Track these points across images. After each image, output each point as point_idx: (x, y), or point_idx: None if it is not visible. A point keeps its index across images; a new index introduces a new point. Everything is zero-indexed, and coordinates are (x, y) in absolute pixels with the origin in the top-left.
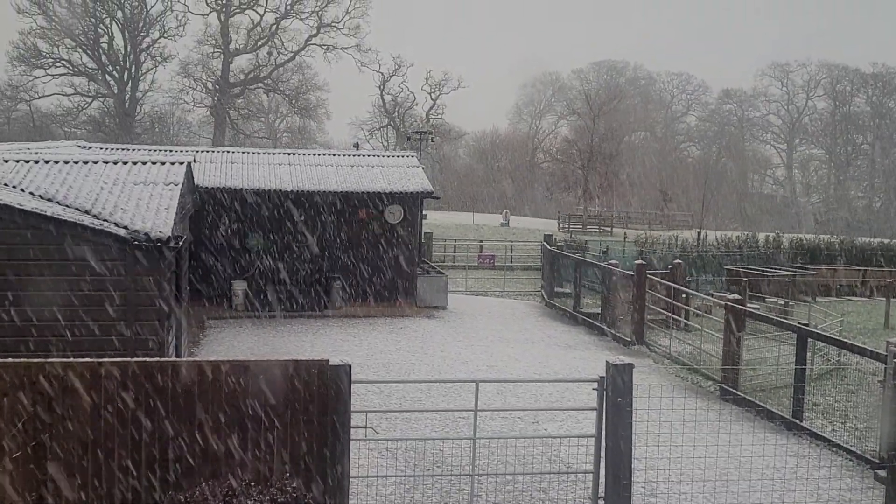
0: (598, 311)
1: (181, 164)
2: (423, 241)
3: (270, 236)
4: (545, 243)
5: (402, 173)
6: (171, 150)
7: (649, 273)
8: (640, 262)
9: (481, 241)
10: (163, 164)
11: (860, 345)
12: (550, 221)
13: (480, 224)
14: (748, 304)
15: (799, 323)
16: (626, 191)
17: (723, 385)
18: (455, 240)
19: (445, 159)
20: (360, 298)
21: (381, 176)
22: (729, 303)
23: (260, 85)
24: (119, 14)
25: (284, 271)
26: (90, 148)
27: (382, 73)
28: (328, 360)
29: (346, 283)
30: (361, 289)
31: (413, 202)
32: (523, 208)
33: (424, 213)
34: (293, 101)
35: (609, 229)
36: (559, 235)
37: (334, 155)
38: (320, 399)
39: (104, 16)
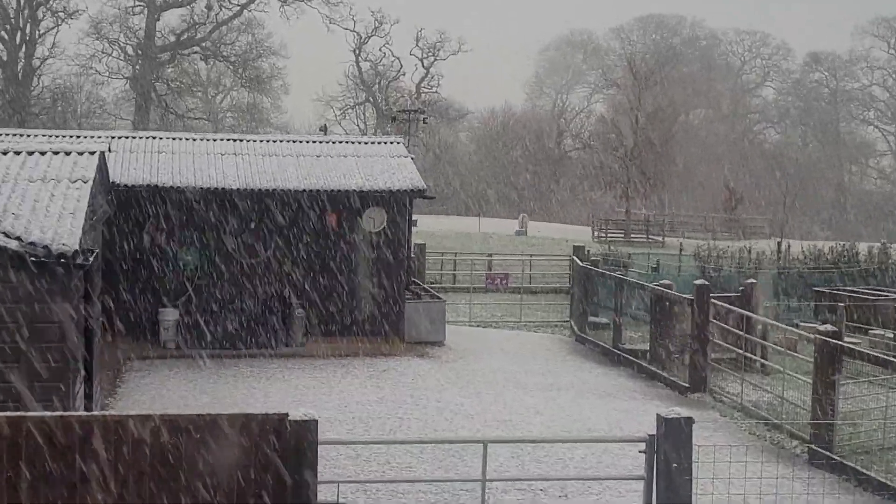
0: (646, 347)
1: (92, 154)
2: (413, 255)
3: (210, 250)
4: (575, 258)
5: (386, 165)
6: (78, 137)
7: (714, 297)
8: (701, 282)
9: (490, 256)
10: (67, 154)
11: None
12: (582, 229)
13: (489, 232)
14: (846, 339)
15: None
16: (681, 187)
17: (812, 446)
18: (456, 253)
19: (443, 147)
20: (329, 331)
21: (357, 169)
22: (820, 336)
23: (196, 49)
24: None
25: (229, 296)
26: None
27: (358, 33)
28: (287, 415)
29: (311, 311)
30: (332, 319)
31: (399, 204)
32: (546, 211)
33: (415, 218)
34: (240, 71)
35: (660, 239)
36: (594, 247)
37: (295, 142)
38: (277, 466)
39: None
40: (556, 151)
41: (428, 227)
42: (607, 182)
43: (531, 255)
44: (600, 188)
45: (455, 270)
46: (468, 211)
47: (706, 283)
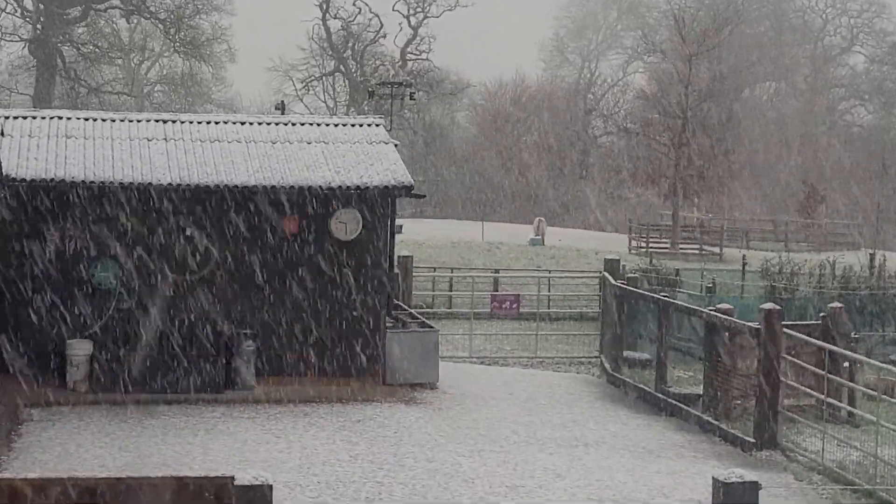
0: (699, 390)
1: None
2: (396, 271)
3: (133, 264)
4: (607, 275)
5: (361, 154)
6: None
7: (787, 326)
8: (770, 306)
9: (496, 272)
10: None
11: None
12: (616, 237)
13: (495, 242)
14: None
15: None
16: (745, 184)
17: None
18: (452, 269)
19: (436, 130)
20: (288, 370)
21: (323, 159)
22: None
23: (115, 4)
24: None
25: (159, 325)
26: None
27: None
28: (233, 478)
29: (264, 344)
30: (291, 354)
31: (379, 204)
32: (569, 214)
33: (399, 223)
34: (172, 32)
35: (717, 250)
36: (632, 261)
37: (244, 124)
38: None
39: None
40: (583, 136)
41: (416, 234)
42: (649, 176)
43: (550, 271)
44: (640, 184)
45: (451, 291)
46: (468, 214)
47: (777, 307)
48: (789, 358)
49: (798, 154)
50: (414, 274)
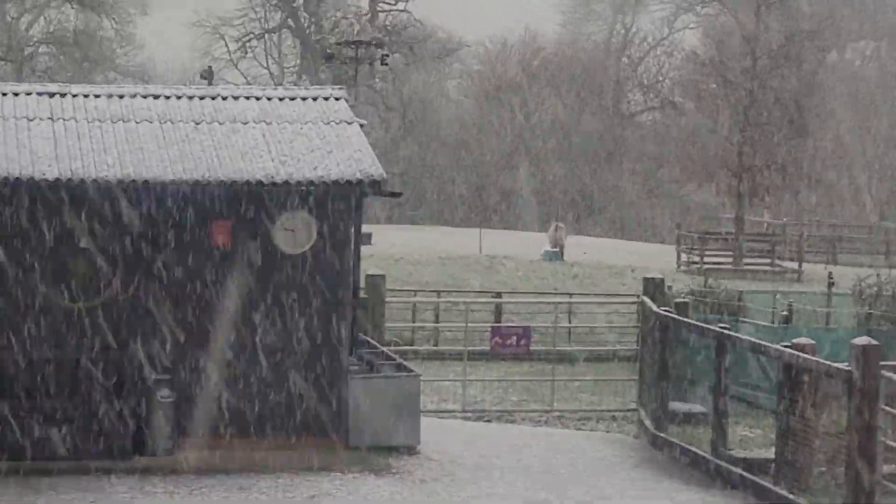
0: (770, 454)
1: None
2: (359, 294)
3: (7, 285)
4: (647, 300)
5: (316, 138)
6: None
7: (889, 367)
8: (865, 341)
9: (499, 297)
10: None
11: None
12: (660, 249)
13: (498, 256)
14: None
15: None
16: (832, 177)
17: None
18: (440, 292)
19: (418, 106)
20: (217, 429)
21: (265, 144)
22: None
23: None
24: None
25: (39, 366)
26: None
27: None
28: None
29: (186, 393)
30: (221, 407)
31: (339, 205)
32: (597, 218)
33: (367, 231)
34: None
35: (795, 265)
36: (681, 280)
37: (158, 97)
38: None
39: None
40: (616, 113)
41: (391, 245)
42: (704, 167)
43: (571, 296)
44: (692, 178)
45: (438, 322)
46: (463, 218)
47: (875, 342)
48: (890, 410)
49: None
50: (388, 299)
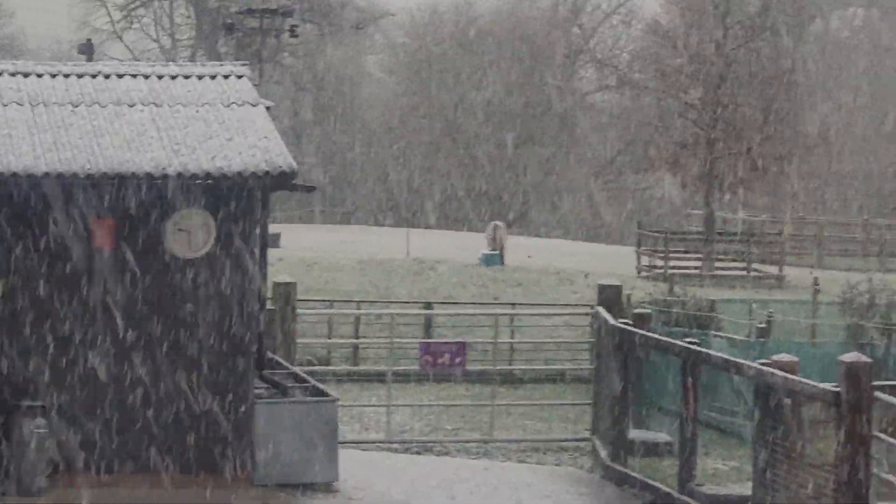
0: (746, 490)
1: None
2: (266, 305)
3: None
4: (603, 310)
5: (215, 123)
6: None
7: (881, 386)
8: (855, 357)
9: (429, 307)
10: None
11: None
12: (617, 252)
13: (428, 260)
14: None
15: None
16: (817, 168)
17: None
18: (360, 303)
19: (334, 86)
20: (100, 464)
21: (154, 130)
22: None
23: None
24: None
25: None
26: None
27: None
28: None
29: (60, 423)
30: (104, 438)
31: (242, 201)
32: (543, 216)
33: (275, 231)
34: None
35: (775, 270)
36: (642, 288)
37: (28, 75)
38: None
39: None
40: (566, 93)
41: (304, 248)
42: (669, 156)
43: (514, 305)
44: (655, 168)
45: (358, 338)
46: (387, 216)
47: (867, 359)
48: (886, 438)
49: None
50: (300, 311)
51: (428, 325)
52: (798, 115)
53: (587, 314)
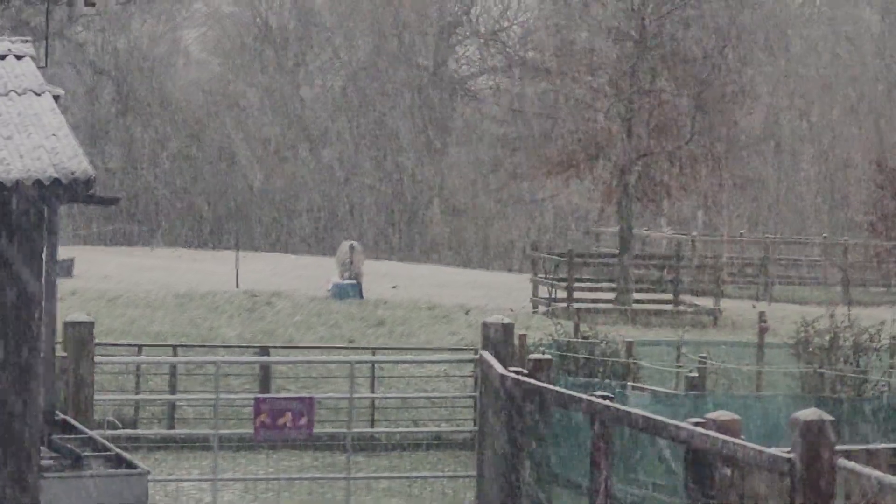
0: None
1: None
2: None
3: None
4: (488, 355)
5: None
6: None
7: (846, 450)
8: (813, 415)
9: (265, 353)
10: None
11: None
12: (507, 280)
13: (264, 292)
14: None
15: None
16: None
17: None
18: (176, 347)
19: (139, 67)
20: None
21: None
22: None
23: None
24: None
25: None
26: None
27: None
28: None
29: None
30: None
31: (23, 216)
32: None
33: (67, 257)
34: None
35: (710, 303)
36: (539, 326)
37: None
38: None
39: None
40: (440, 77)
41: (104, 277)
42: (572, 157)
43: (374, 352)
44: (555, 173)
45: (175, 392)
46: (213, 237)
47: (827, 417)
48: None
49: (869, 111)
50: (99, 359)
51: (264, 377)
52: (739, 103)
53: (469, 360)
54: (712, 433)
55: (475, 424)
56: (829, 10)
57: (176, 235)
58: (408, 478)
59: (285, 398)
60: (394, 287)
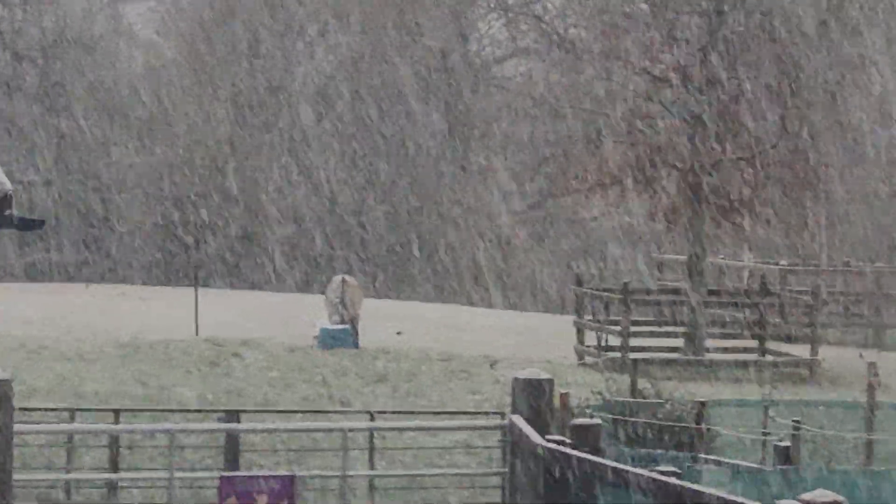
0: None
1: None
2: None
3: None
4: (518, 421)
5: None
6: None
7: None
8: None
9: (234, 418)
10: None
11: None
12: (547, 322)
13: (227, 340)
14: None
15: None
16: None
17: None
18: (119, 412)
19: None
20: None
21: None
22: None
23: None
24: None
25: None
26: None
27: None
28: None
29: None
30: None
31: None
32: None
33: None
34: None
35: (807, 354)
36: (584, 381)
37: None
38: None
39: None
40: (459, 65)
41: (26, 321)
42: (625, 165)
43: (372, 416)
44: (602, 184)
45: (118, 469)
46: (164, 269)
47: None
48: None
49: None
50: (20, 426)
51: (232, 449)
52: (835, 104)
53: (496, 427)
54: None
55: None
56: None
57: (117, 266)
58: None
59: (259, 476)
60: (398, 333)
